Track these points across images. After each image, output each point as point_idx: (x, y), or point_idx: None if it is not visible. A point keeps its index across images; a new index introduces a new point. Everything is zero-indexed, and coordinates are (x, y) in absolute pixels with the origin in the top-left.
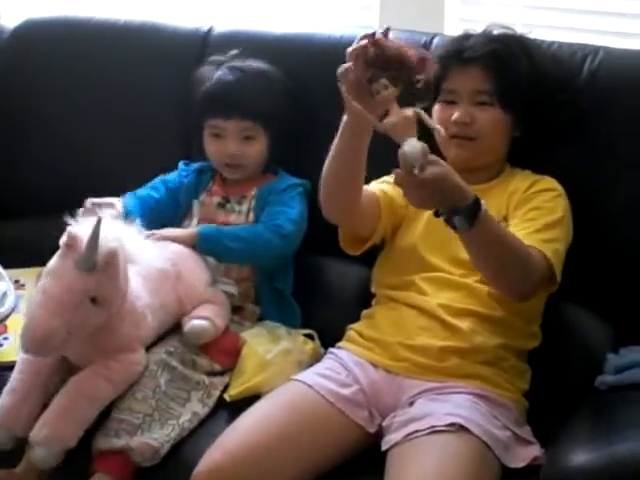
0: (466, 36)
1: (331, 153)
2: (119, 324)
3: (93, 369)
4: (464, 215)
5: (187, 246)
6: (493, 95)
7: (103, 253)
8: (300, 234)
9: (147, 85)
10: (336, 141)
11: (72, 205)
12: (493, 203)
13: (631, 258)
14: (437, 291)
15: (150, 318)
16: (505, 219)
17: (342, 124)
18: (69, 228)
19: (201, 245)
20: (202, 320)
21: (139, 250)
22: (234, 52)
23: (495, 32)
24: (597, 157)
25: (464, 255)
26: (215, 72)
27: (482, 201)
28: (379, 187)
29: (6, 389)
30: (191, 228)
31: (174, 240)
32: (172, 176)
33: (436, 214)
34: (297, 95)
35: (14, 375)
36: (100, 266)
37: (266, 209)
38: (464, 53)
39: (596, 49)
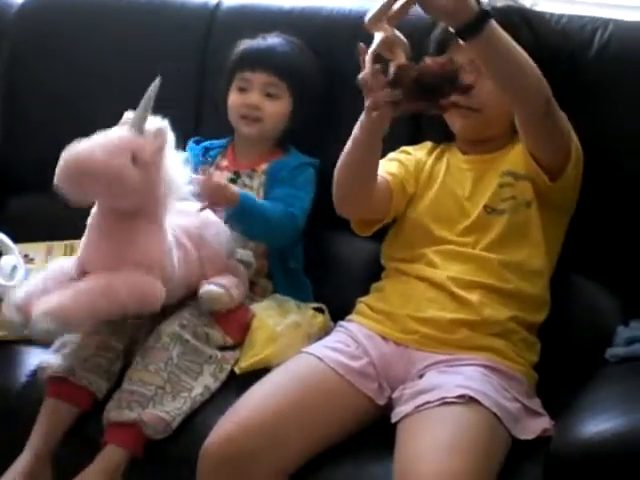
0: None
1: (347, 148)
2: (147, 237)
3: (115, 275)
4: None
5: (229, 204)
6: None
7: (153, 124)
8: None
9: (155, 60)
10: (350, 145)
11: None
12: (507, 166)
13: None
14: (447, 263)
15: (176, 263)
16: (525, 178)
17: (359, 123)
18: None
19: (238, 211)
20: (219, 287)
21: (177, 177)
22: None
23: (498, 4)
24: (605, 130)
25: (472, 223)
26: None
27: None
28: (388, 170)
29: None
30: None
31: (220, 192)
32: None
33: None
34: (322, 68)
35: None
36: (148, 134)
37: (278, 188)
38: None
39: (606, 22)
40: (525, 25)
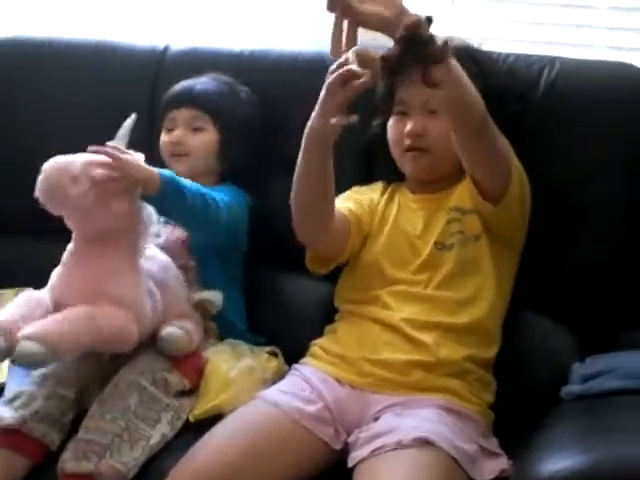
0: None
1: (298, 171)
2: (127, 275)
3: (98, 309)
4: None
5: (150, 190)
6: None
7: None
8: (230, 223)
9: (105, 105)
10: (302, 157)
11: (39, 225)
12: (455, 202)
13: (592, 265)
14: (400, 305)
15: (149, 306)
16: (472, 212)
17: (307, 135)
18: None
19: (165, 189)
20: (180, 330)
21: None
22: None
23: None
24: (554, 166)
25: (424, 261)
26: None
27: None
28: (345, 206)
29: None
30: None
31: (138, 181)
32: None
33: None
34: (257, 104)
35: None
36: None
37: None
38: None
39: (552, 60)
40: (473, 64)
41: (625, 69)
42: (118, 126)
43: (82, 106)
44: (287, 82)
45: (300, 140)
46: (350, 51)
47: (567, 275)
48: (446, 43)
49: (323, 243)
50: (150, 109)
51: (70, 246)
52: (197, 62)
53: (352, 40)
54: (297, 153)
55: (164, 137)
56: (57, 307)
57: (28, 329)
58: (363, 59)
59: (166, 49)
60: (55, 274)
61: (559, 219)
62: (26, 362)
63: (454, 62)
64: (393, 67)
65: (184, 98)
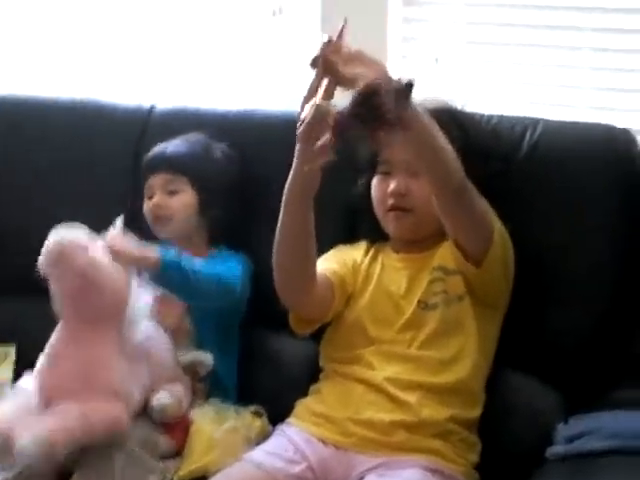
0: None
1: (279, 230)
2: (114, 362)
3: (88, 406)
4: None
5: (148, 267)
6: None
7: None
8: (244, 293)
9: (91, 165)
10: (283, 213)
11: (16, 285)
12: (438, 261)
13: (577, 325)
14: (384, 364)
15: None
16: (455, 272)
17: (288, 188)
18: None
19: (162, 273)
20: (171, 396)
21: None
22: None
23: (429, 105)
24: (536, 229)
25: (407, 320)
26: None
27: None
28: (328, 268)
29: None
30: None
31: (136, 262)
32: None
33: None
34: (234, 160)
35: None
36: None
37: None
38: None
39: (535, 122)
40: (456, 126)
41: (607, 131)
42: (104, 188)
43: (67, 165)
44: (272, 143)
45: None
46: (310, 104)
47: (551, 337)
48: (401, 110)
49: (306, 306)
50: (135, 168)
51: (57, 333)
52: (183, 122)
53: (329, 96)
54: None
55: (146, 204)
56: (47, 400)
57: (25, 432)
58: (321, 113)
59: (152, 108)
60: (42, 363)
61: (541, 282)
62: (22, 463)
63: (427, 122)
64: (343, 126)
65: (157, 163)
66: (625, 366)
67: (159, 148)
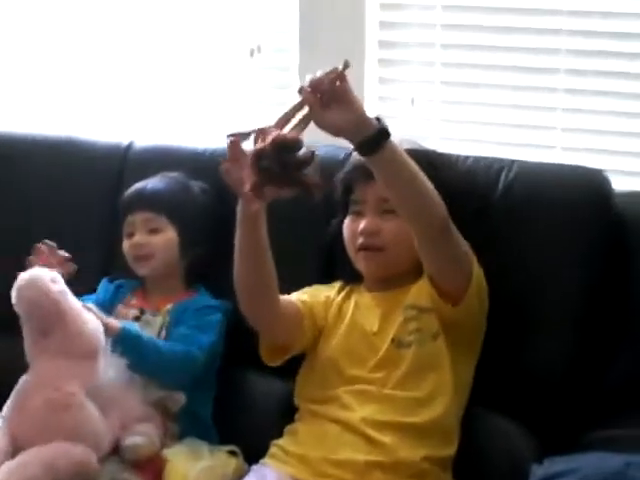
0: None
1: (236, 254)
2: (83, 410)
3: (55, 451)
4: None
5: (109, 333)
6: None
7: None
8: (207, 363)
9: (68, 202)
10: (238, 238)
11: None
12: (411, 300)
13: (551, 368)
14: (360, 404)
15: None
16: (430, 310)
17: (240, 218)
18: None
19: (121, 342)
20: (143, 436)
21: None
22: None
23: (404, 147)
24: (512, 268)
25: (381, 358)
26: None
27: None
28: (298, 297)
29: None
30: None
31: (102, 320)
32: (93, 296)
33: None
34: (213, 197)
35: None
36: None
37: (179, 328)
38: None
39: (510, 163)
40: (430, 168)
41: (581, 172)
42: (81, 225)
43: (44, 203)
44: None
45: None
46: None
47: (524, 376)
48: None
49: (273, 329)
50: (113, 205)
51: (26, 376)
52: (160, 159)
53: (301, 127)
54: None
55: (125, 243)
56: (15, 445)
57: None
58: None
59: (130, 146)
60: (9, 407)
61: (515, 320)
62: None
63: (405, 161)
64: (257, 165)
65: (136, 201)
66: (598, 406)
67: (138, 186)
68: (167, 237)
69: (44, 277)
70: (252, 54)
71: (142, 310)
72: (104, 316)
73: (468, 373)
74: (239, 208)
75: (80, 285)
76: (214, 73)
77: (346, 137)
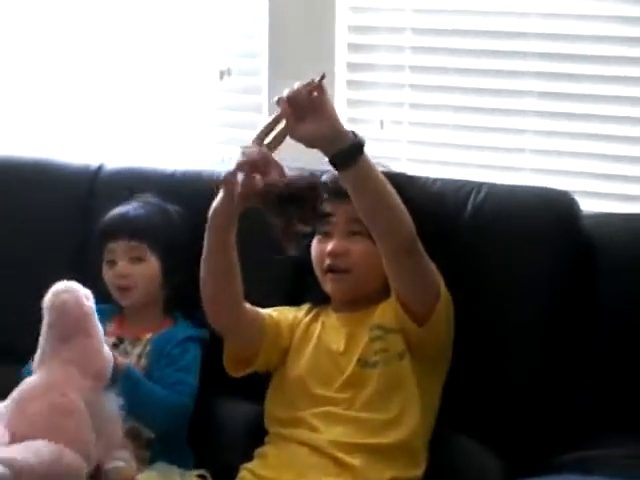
0: None
1: (204, 253)
2: (81, 419)
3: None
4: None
5: (116, 368)
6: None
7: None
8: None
9: (37, 222)
10: (207, 238)
11: None
12: (377, 320)
13: (519, 389)
14: (327, 427)
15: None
16: (395, 331)
17: (211, 217)
18: None
19: (124, 380)
20: (124, 461)
21: None
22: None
23: None
24: (480, 290)
25: (347, 378)
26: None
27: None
28: (266, 311)
29: None
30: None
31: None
32: None
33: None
34: (188, 221)
35: None
36: None
37: (165, 368)
38: (341, 186)
39: (479, 185)
40: (399, 190)
41: (549, 194)
42: (51, 249)
43: (14, 227)
44: None
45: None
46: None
47: (493, 399)
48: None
49: (235, 335)
50: (82, 228)
51: (30, 379)
52: (130, 181)
53: (279, 140)
54: None
55: (107, 270)
56: (12, 439)
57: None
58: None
59: (100, 168)
60: (10, 403)
61: (484, 342)
62: None
63: (375, 178)
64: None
65: (119, 229)
66: (569, 427)
67: (119, 212)
68: (150, 267)
69: (80, 290)
70: (222, 77)
71: (120, 338)
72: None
73: (435, 394)
74: (216, 207)
75: None
76: (184, 95)
77: (320, 148)
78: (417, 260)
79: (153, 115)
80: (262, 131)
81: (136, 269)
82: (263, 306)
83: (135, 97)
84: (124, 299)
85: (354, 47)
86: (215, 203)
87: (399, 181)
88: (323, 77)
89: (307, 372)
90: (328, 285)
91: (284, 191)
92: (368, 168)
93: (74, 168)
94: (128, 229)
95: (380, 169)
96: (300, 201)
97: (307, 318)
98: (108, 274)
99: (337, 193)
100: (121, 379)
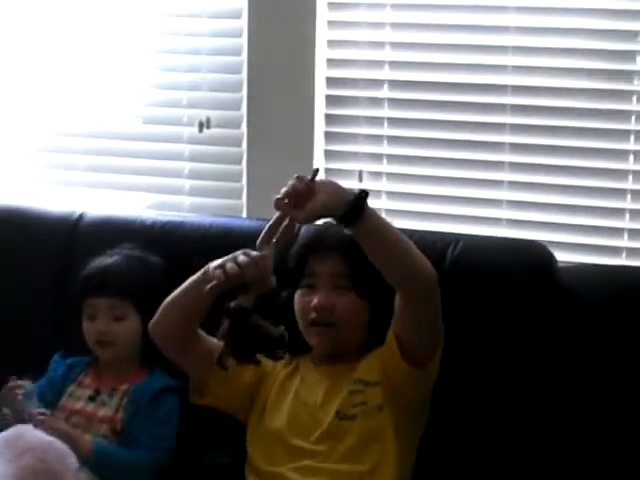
0: (327, 226)
1: (177, 290)
2: None
3: None
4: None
5: (82, 454)
6: (351, 279)
7: None
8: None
9: (17, 269)
10: (189, 282)
11: None
12: (358, 374)
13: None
14: None
15: None
16: (378, 384)
17: (203, 273)
18: None
19: (94, 463)
20: None
21: None
22: (128, 245)
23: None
24: (459, 341)
25: (325, 430)
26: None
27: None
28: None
29: None
30: (86, 436)
31: (71, 440)
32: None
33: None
34: (168, 272)
35: None
36: None
37: (142, 424)
38: (326, 240)
39: (457, 237)
40: None
41: (525, 246)
42: (31, 298)
43: None
44: (198, 253)
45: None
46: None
47: (470, 456)
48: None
49: (185, 363)
50: (61, 277)
51: None
52: (110, 231)
53: (289, 234)
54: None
55: (88, 325)
56: None
57: None
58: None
59: (81, 216)
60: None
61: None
62: None
63: (384, 224)
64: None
65: (100, 285)
66: None
67: (100, 267)
68: (131, 325)
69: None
70: (201, 129)
71: (97, 390)
72: (77, 435)
73: (413, 442)
74: (210, 270)
75: (31, 359)
76: (163, 146)
77: (328, 215)
78: (435, 304)
79: (131, 165)
80: (266, 233)
81: (117, 327)
82: None
83: (116, 147)
84: (103, 353)
85: (332, 99)
86: (214, 266)
87: None
88: (316, 173)
89: (285, 425)
90: (313, 338)
91: (253, 329)
92: (376, 217)
93: (55, 215)
94: (111, 287)
95: None
96: (261, 341)
97: (286, 370)
98: (89, 329)
99: (322, 248)
100: (93, 463)
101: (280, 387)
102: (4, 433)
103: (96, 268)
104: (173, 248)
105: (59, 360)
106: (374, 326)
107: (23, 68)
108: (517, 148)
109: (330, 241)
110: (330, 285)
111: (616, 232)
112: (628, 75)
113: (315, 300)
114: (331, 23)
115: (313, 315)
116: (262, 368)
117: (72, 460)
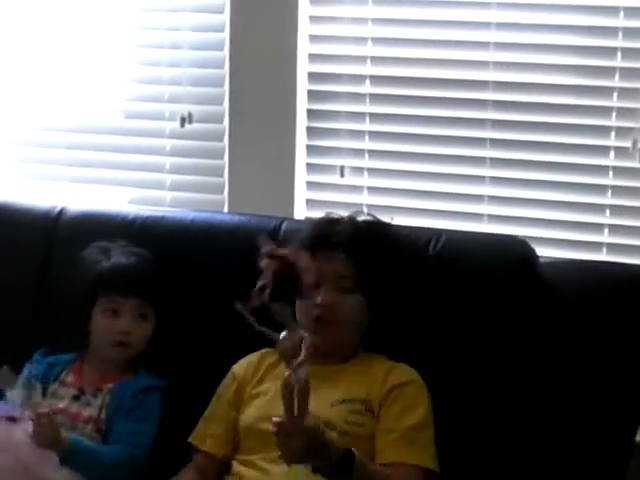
0: (332, 220)
1: None
2: None
3: None
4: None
5: (56, 449)
6: (355, 280)
7: None
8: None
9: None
10: None
11: None
12: (348, 385)
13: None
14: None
15: None
16: (364, 402)
17: None
18: None
19: (69, 457)
20: None
21: None
22: (121, 242)
23: (359, 218)
24: (443, 339)
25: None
26: (103, 256)
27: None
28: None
29: None
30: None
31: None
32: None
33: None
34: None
35: None
36: None
37: (120, 421)
38: (331, 238)
39: (439, 233)
40: (388, 243)
41: (507, 242)
42: (9, 288)
43: None
44: (180, 248)
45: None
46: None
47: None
48: None
49: None
50: (43, 272)
51: None
52: (91, 226)
53: (304, 409)
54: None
55: (107, 323)
56: None
57: None
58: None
59: (62, 211)
60: None
61: (456, 399)
62: None
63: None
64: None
65: (135, 288)
66: None
67: (126, 268)
68: (149, 327)
69: None
70: (183, 124)
71: (81, 389)
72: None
73: None
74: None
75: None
76: (145, 140)
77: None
78: None
79: (111, 159)
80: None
81: (138, 330)
82: (229, 352)
83: (98, 140)
84: (117, 353)
85: (314, 94)
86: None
87: (385, 230)
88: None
89: (261, 417)
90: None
91: None
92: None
93: (36, 211)
94: (146, 290)
95: (366, 217)
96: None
97: (266, 363)
98: (110, 326)
99: (327, 246)
100: (67, 456)
101: (258, 383)
102: None
103: (117, 268)
104: (154, 243)
105: (39, 359)
106: (372, 327)
107: (3, 63)
108: (499, 144)
109: (336, 239)
110: (334, 285)
111: (597, 228)
112: (609, 71)
113: (320, 297)
114: (313, 18)
115: (317, 312)
116: (239, 380)
117: (52, 458)
